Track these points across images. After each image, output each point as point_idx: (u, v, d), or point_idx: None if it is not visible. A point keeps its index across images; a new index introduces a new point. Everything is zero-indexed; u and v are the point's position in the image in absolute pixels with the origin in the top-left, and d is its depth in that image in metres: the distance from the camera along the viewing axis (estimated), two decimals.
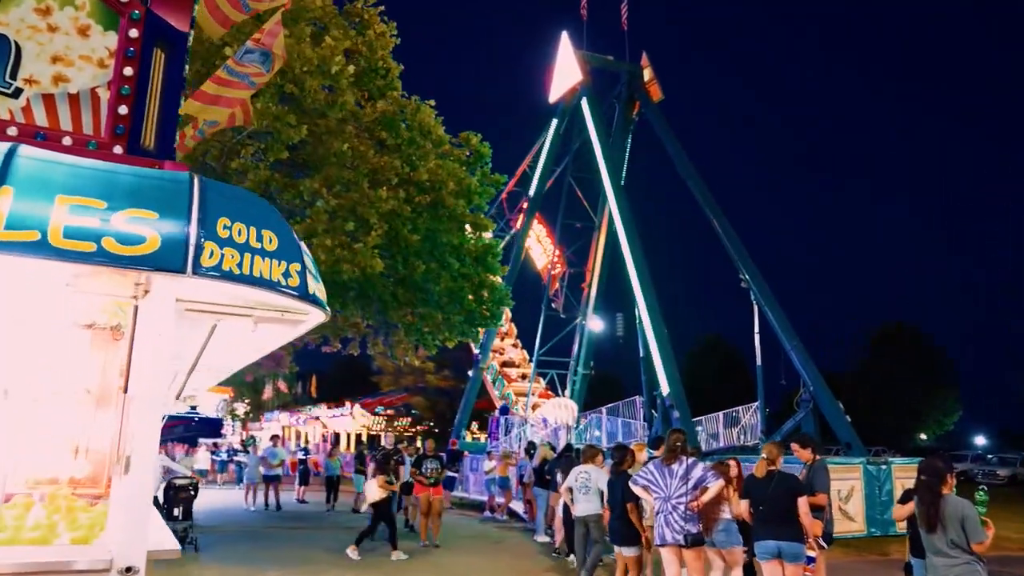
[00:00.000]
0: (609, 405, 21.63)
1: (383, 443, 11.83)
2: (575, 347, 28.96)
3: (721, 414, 21.62)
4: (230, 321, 4.20)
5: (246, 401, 71.66)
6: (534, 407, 27.94)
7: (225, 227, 3.53)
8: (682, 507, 6.94)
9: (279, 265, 3.73)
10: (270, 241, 3.73)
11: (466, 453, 23.48)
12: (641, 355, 20.93)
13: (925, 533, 5.49)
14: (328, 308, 4.36)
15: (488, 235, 18.37)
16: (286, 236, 3.88)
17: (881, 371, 47.72)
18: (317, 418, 47.22)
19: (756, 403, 20.36)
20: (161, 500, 11.51)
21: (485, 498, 19.46)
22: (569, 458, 12.11)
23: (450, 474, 22.02)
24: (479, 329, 18.37)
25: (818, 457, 8.20)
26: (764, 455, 7.23)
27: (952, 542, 5.30)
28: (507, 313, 30.68)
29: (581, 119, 24.67)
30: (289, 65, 11.02)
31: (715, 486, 7.05)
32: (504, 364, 30.76)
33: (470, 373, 28.73)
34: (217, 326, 4.35)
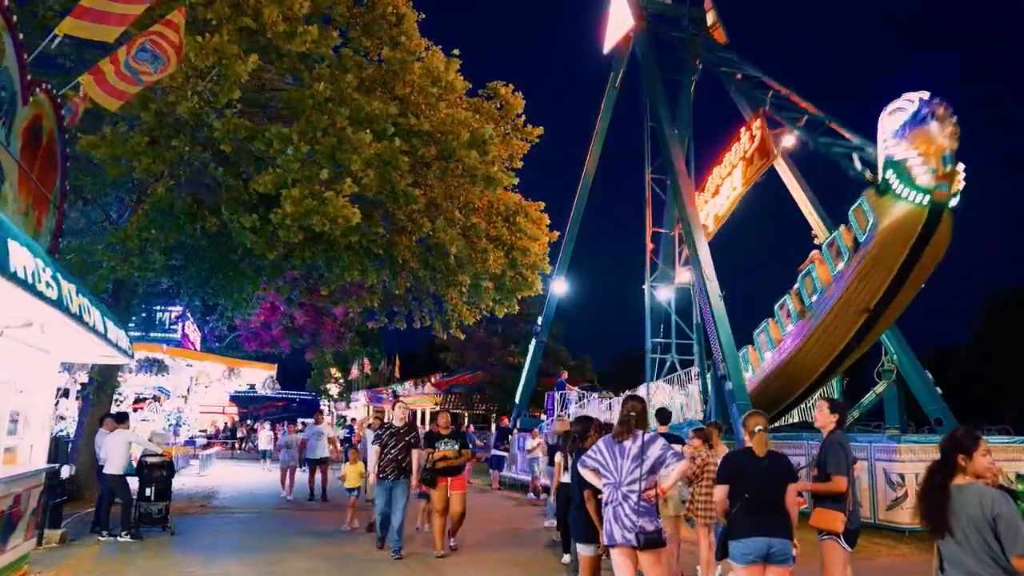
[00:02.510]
0: (666, 377, 19.84)
1: (390, 418, 9.75)
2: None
3: None
4: None
5: (338, 380, 72.96)
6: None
7: None
8: (634, 496, 5.32)
9: None
10: None
11: (516, 431, 22.15)
12: (696, 320, 18.96)
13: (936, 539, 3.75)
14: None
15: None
16: None
17: (996, 344, 43.32)
18: (396, 397, 46.93)
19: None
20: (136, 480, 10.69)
21: (530, 478, 18.05)
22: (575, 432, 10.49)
23: (498, 453, 20.79)
24: (514, 297, 16.93)
25: (836, 430, 6.34)
26: (759, 426, 5.50)
27: (979, 552, 3.54)
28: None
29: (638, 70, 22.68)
30: None
31: (677, 469, 5.38)
32: None
33: (530, 347, 27.28)
34: None
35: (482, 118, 14.57)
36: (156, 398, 23.98)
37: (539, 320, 26.99)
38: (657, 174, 23.22)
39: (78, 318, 5.47)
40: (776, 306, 16.65)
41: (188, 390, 24.80)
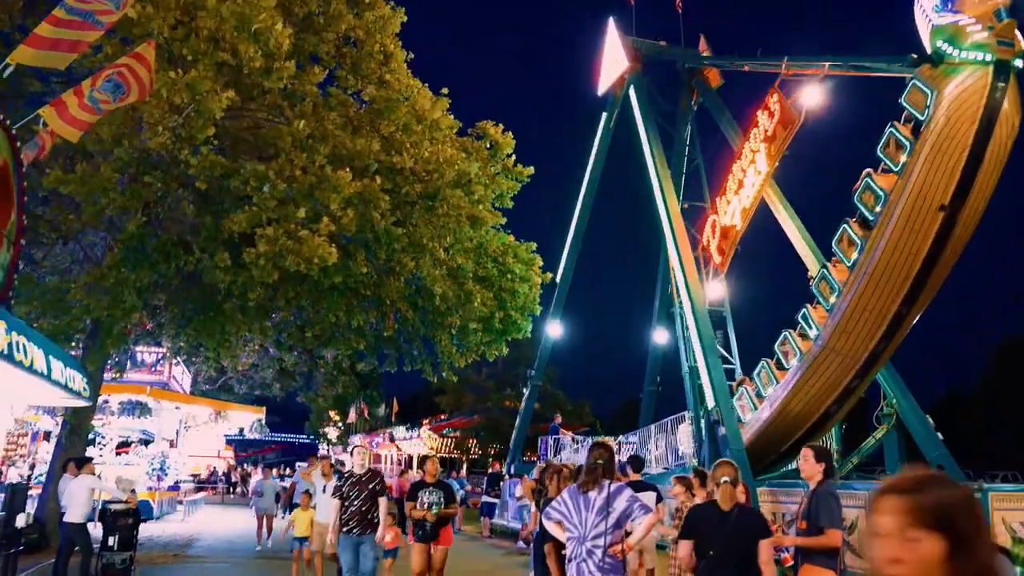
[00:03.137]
0: (658, 423, 19.33)
1: (351, 466, 8.27)
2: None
3: None
4: None
5: (337, 424, 72.21)
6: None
7: None
8: (599, 552, 4.91)
9: None
10: None
11: (507, 476, 21.60)
12: (688, 365, 18.55)
13: None
14: None
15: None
16: None
17: (1006, 390, 42.65)
18: (392, 440, 46.26)
19: None
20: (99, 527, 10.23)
21: (520, 526, 17.47)
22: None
23: (488, 500, 20.23)
24: (503, 339, 16.58)
25: (827, 480, 5.93)
26: (725, 477, 5.10)
27: None
28: None
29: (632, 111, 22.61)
30: (220, 28, 9.68)
31: (644, 523, 4.98)
32: None
33: (525, 391, 26.81)
34: None
35: (469, 158, 14.37)
36: (144, 441, 23.51)
37: (535, 364, 26.56)
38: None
39: (6, 356, 5.13)
40: (834, 241, 14.47)
41: (177, 433, 24.33)
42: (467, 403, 37.93)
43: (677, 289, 18.26)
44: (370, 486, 8.56)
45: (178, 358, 23.25)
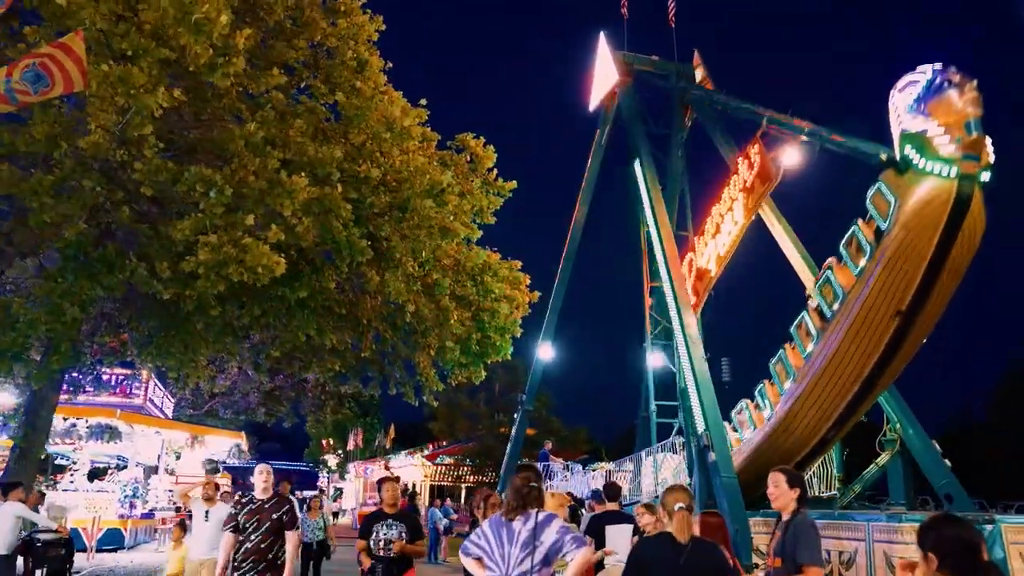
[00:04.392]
0: (647, 449, 18.47)
1: (259, 491, 6.89)
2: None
3: None
4: None
5: (337, 451, 71.20)
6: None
7: None
8: None
9: None
10: None
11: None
12: (680, 387, 17.75)
13: None
14: None
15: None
16: None
17: (1015, 417, 41.48)
18: (387, 468, 45.28)
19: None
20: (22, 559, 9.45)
21: None
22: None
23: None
24: (481, 362, 15.80)
25: (802, 509, 5.11)
26: (679, 503, 4.27)
27: None
28: None
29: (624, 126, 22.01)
30: (162, 21, 9.07)
31: (578, 559, 4.18)
32: None
33: (516, 416, 25.91)
34: None
35: (443, 169, 13.72)
36: (121, 468, 22.74)
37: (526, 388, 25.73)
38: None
39: None
40: (792, 327, 14.75)
41: (159, 458, 23.52)
42: (461, 429, 37.03)
43: (663, 308, 17.48)
44: (274, 516, 6.77)
45: (153, 381, 22.60)
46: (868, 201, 12.86)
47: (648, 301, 23.67)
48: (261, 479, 6.91)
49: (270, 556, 6.67)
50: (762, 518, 13.23)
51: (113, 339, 15.01)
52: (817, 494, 17.04)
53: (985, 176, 11.58)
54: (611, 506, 7.75)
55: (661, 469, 17.52)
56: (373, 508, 7.53)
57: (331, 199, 10.98)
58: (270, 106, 11.82)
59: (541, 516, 4.30)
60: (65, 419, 17.83)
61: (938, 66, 11.57)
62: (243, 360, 19.87)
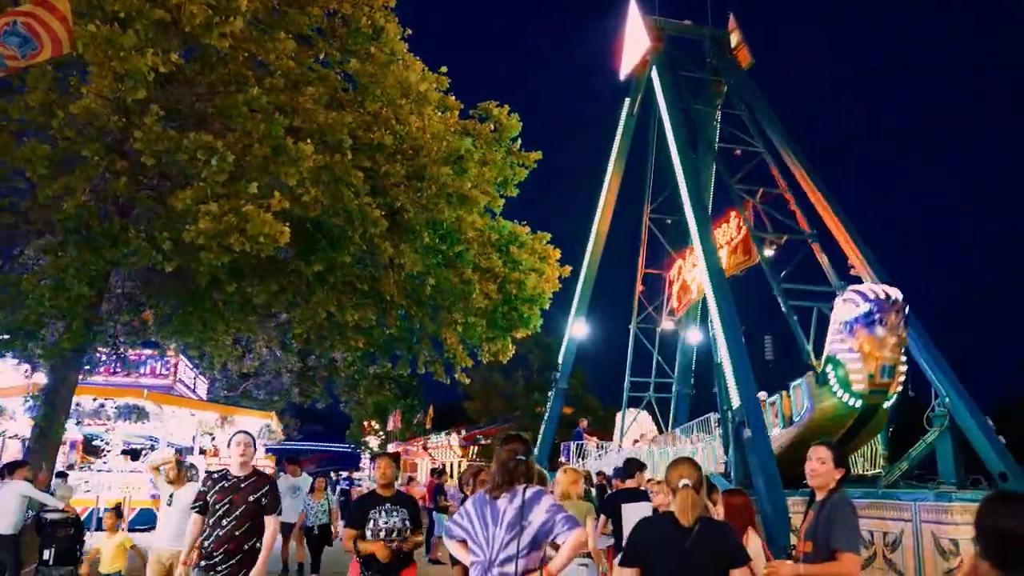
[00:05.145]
0: (683, 425, 17.84)
1: (235, 467, 5.86)
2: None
3: None
4: None
5: (378, 433, 71.64)
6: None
7: None
8: None
9: None
10: None
11: None
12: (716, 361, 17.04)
13: None
14: None
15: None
16: None
17: None
18: (426, 449, 45.28)
19: None
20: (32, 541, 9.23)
21: None
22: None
23: None
24: (508, 336, 15.30)
25: (840, 489, 4.46)
26: (684, 479, 3.69)
27: None
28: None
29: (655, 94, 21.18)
30: None
31: (570, 541, 3.66)
32: None
33: (550, 394, 25.42)
34: None
35: (462, 136, 13.19)
36: (154, 449, 22.78)
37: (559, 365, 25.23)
38: (658, 213, 22.65)
39: None
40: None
41: (193, 439, 23.53)
42: (496, 409, 36.63)
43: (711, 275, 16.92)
44: (251, 497, 5.63)
45: (184, 361, 22.56)
46: (791, 389, 15.04)
47: (639, 288, 24.42)
48: (238, 451, 5.75)
49: (246, 547, 5.53)
50: (801, 497, 12.56)
51: (134, 318, 14.84)
52: (861, 472, 16.27)
53: (888, 403, 14.04)
54: (630, 483, 7.21)
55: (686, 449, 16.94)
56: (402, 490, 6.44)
57: (341, 167, 10.53)
58: (280, 73, 11.41)
59: (529, 493, 3.78)
60: (94, 400, 17.81)
61: (882, 296, 13.03)
62: (270, 340, 19.66)
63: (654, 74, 20.40)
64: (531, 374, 35.17)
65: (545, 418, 25.01)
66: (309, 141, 9.90)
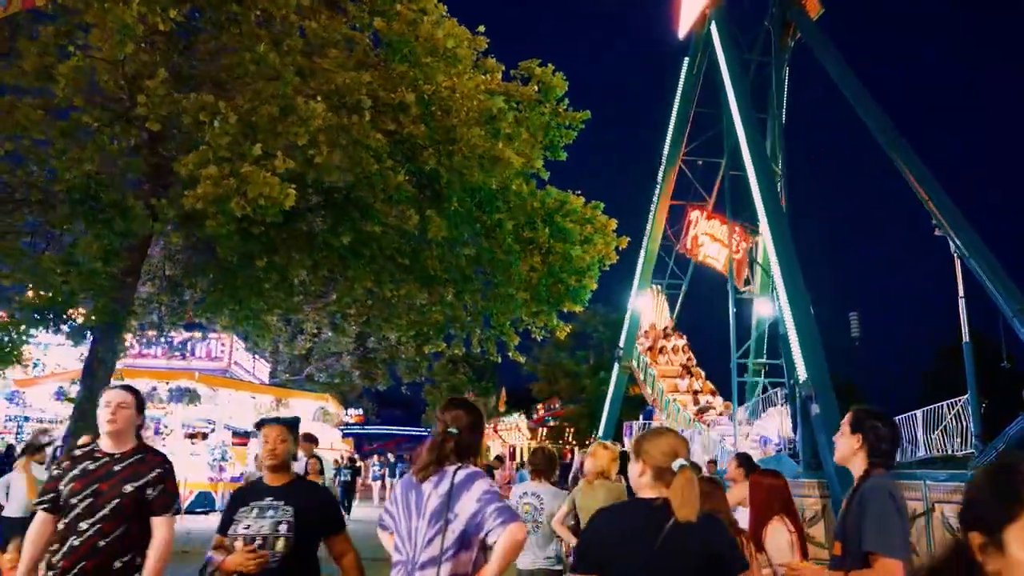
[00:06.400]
0: (748, 403, 16.64)
1: (106, 441, 3.62)
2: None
3: (920, 412, 15.65)
4: None
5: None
6: (701, 411, 23.01)
7: None
8: None
9: None
10: None
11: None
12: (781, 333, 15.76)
13: None
14: None
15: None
16: None
17: None
18: (496, 431, 44.83)
19: (965, 396, 14.40)
20: None
21: None
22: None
23: None
24: (554, 311, 14.48)
25: (876, 470, 3.41)
26: (679, 461, 2.75)
27: None
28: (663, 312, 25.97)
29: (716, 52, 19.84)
30: None
31: (504, 539, 2.79)
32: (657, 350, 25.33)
33: (614, 371, 24.40)
34: None
35: (493, 96, 12.36)
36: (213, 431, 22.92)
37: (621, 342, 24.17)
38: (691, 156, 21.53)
39: None
40: None
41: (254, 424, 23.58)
42: (563, 389, 35.80)
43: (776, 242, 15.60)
44: (128, 487, 3.54)
45: (239, 344, 22.53)
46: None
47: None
48: (107, 413, 3.62)
49: (116, 566, 3.47)
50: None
51: (175, 299, 14.65)
52: (951, 453, 14.80)
53: None
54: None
55: (765, 426, 15.73)
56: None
57: (359, 128, 9.85)
58: (299, 34, 10.83)
59: (460, 476, 2.92)
60: (147, 383, 17.83)
61: None
62: (320, 320, 19.38)
63: (713, 28, 19.08)
64: (600, 352, 34.18)
65: (609, 396, 24.03)
66: (319, 99, 9.26)
